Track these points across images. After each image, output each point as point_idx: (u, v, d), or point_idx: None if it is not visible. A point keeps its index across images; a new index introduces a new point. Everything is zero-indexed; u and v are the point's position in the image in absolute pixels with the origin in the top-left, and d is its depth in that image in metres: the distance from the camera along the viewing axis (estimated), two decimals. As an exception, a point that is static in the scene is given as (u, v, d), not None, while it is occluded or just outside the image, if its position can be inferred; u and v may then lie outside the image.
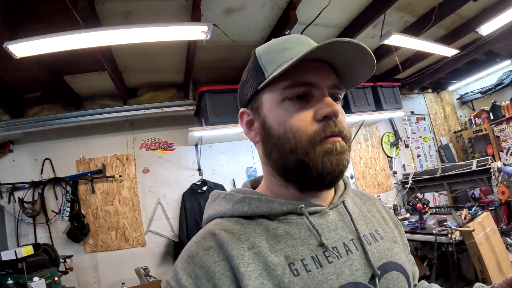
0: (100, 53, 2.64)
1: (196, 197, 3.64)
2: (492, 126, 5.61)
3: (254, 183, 0.73)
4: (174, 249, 3.55)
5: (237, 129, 3.54)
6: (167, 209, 3.64)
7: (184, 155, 3.84)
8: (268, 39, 3.31)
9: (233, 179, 4.02)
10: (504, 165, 3.32)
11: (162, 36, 2.36)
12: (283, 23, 2.99)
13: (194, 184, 3.71)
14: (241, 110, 0.68)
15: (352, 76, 0.64)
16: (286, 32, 2.99)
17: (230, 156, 4.08)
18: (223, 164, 4.05)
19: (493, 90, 5.89)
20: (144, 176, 3.65)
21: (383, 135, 5.29)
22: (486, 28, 3.78)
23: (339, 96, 0.63)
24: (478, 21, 3.79)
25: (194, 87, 3.74)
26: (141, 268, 3.12)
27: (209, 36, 2.46)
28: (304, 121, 0.57)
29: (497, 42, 4.53)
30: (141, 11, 2.48)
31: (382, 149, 5.25)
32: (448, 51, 4.16)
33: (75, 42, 2.14)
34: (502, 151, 5.25)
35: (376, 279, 0.57)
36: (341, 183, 0.71)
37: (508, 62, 5.50)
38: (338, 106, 0.61)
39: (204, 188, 3.71)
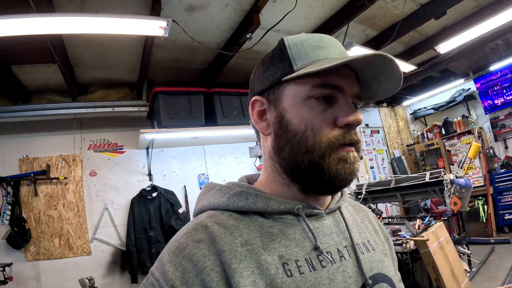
0: (51, 42, 2.40)
1: (145, 204, 3.42)
2: (444, 140, 5.91)
3: (250, 179, 0.71)
4: (121, 258, 3.32)
5: (191, 133, 3.39)
6: (114, 215, 3.39)
7: (134, 158, 3.61)
8: (228, 42, 3.19)
9: (184, 186, 3.86)
10: (456, 177, 3.43)
11: (118, 28, 2.19)
12: (245, 26, 2.89)
13: (144, 189, 3.50)
14: (254, 97, 0.64)
15: (371, 90, 0.64)
16: (247, 36, 2.89)
17: (182, 162, 3.91)
18: (175, 169, 3.86)
19: (446, 106, 6.18)
20: (91, 179, 3.39)
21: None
22: (444, 47, 3.92)
23: (358, 106, 0.61)
24: (437, 40, 3.92)
25: (148, 88, 3.54)
26: (86, 278, 2.87)
27: (167, 33, 2.32)
28: (326, 123, 0.56)
29: (453, 61, 4.73)
30: (98, 0, 2.30)
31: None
32: (406, 67, 4.26)
33: (25, 27, 1.95)
34: (453, 164, 5.53)
35: None
36: None
37: (461, 80, 5.79)
38: None
39: (154, 194, 3.51)
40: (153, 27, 2.24)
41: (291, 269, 0.52)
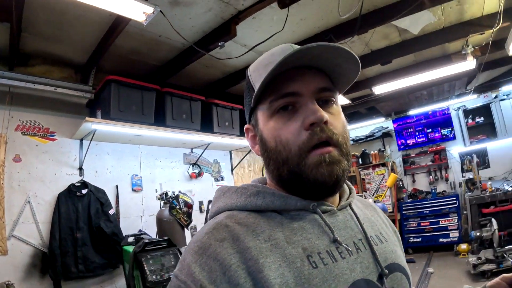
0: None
1: (73, 201, 3.04)
2: (360, 169, 6.62)
3: (263, 182, 0.72)
4: (41, 261, 2.83)
5: (140, 130, 3.18)
6: (37, 210, 2.90)
7: (65, 148, 3.18)
8: (196, 44, 3.11)
9: (117, 186, 3.55)
10: (374, 201, 3.88)
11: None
12: (220, 34, 2.86)
13: (73, 185, 3.10)
14: (246, 126, 0.71)
15: (343, 75, 0.64)
16: (219, 44, 2.87)
17: (116, 159, 3.60)
18: (108, 166, 3.53)
19: (364, 140, 6.96)
20: (14, 165, 2.85)
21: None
22: (379, 89, 4.47)
23: (331, 98, 0.62)
24: (375, 81, 4.45)
25: (96, 74, 3.20)
26: (5, 283, 2.41)
27: (148, 21, 2.16)
28: (292, 132, 0.58)
29: (382, 102, 5.41)
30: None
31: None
32: (343, 100, 4.72)
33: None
34: (366, 191, 6.22)
35: (384, 278, 0.58)
36: (346, 188, 0.72)
37: (382, 119, 6.64)
38: (331, 109, 0.61)
39: (84, 191, 3.14)
40: (137, 10, 2.07)
41: (315, 261, 0.53)
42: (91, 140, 3.10)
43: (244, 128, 0.71)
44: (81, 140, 3.27)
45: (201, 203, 4.38)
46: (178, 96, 3.60)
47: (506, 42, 3.07)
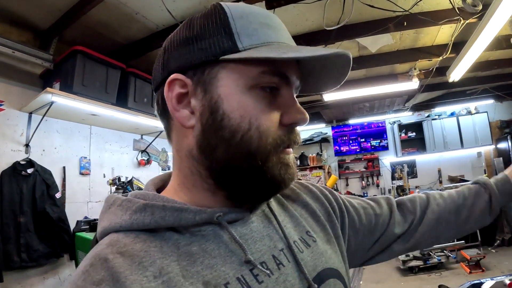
0: None
1: (18, 181, 2.70)
2: (297, 171, 7.01)
3: (161, 183, 0.58)
4: None
5: (101, 109, 2.97)
6: None
7: (13, 121, 2.81)
8: (169, 28, 3.02)
9: (64, 167, 3.26)
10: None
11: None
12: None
13: (18, 162, 2.76)
14: (175, 75, 0.48)
15: (315, 83, 0.57)
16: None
17: (65, 139, 3.31)
18: (56, 146, 3.22)
19: (304, 143, 7.37)
20: None
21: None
22: (328, 97, 4.80)
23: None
24: (327, 89, 4.79)
25: (57, 42, 2.89)
26: None
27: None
28: (273, 121, 0.47)
29: (327, 109, 5.82)
30: None
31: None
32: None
33: None
34: (302, 192, 6.62)
35: None
36: None
37: (323, 125, 7.12)
38: None
39: (30, 171, 2.81)
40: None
41: None
42: (44, 114, 2.80)
43: (170, 79, 0.48)
44: (30, 113, 2.93)
45: (148, 191, 4.26)
46: (141, 79, 3.46)
47: (448, 70, 3.59)
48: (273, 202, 0.59)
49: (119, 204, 0.48)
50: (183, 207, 0.46)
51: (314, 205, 0.65)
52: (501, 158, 5.61)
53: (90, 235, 2.56)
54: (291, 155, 0.50)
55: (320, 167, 6.69)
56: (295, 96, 0.51)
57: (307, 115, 0.50)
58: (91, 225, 2.73)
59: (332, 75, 0.54)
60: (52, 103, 2.65)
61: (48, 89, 2.48)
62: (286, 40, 0.49)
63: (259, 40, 0.46)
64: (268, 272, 0.47)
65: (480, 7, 2.46)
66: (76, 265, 2.67)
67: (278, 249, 0.51)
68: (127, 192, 3.18)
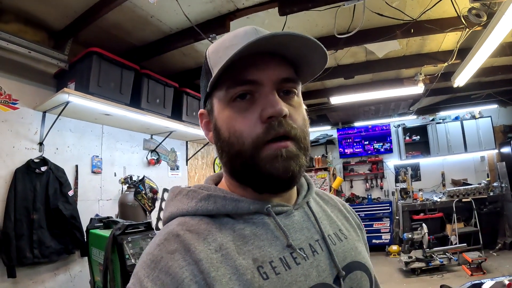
0: None
1: (31, 179, 2.76)
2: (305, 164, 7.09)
3: (218, 179, 0.69)
4: None
5: (116, 110, 3.03)
6: None
7: (27, 120, 2.87)
8: (183, 31, 3.10)
9: (76, 166, 3.32)
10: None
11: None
12: (212, 26, 2.88)
13: (32, 160, 2.82)
14: (200, 110, 0.66)
15: (308, 65, 0.60)
16: (211, 36, 2.90)
17: (78, 137, 3.36)
18: (69, 144, 3.28)
19: (310, 145, 7.47)
20: None
21: (216, 158, 5.58)
22: (336, 99, 4.86)
23: (293, 89, 0.58)
24: (333, 92, 4.83)
25: (72, 43, 2.96)
26: None
27: (156, -1, 2.11)
28: (248, 124, 0.54)
29: (333, 111, 5.87)
30: None
31: (214, 170, 5.59)
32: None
33: None
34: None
35: (341, 279, 0.57)
36: (304, 183, 0.69)
37: (328, 127, 7.15)
38: (292, 101, 0.58)
39: (44, 169, 2.87)
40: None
41: (266, 271, 0.51)
42: (60, 113, 2.86)
43: (199, 113, 0.66)
44: (44, 112, 2.99)
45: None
46: (154, 80, 3.52)
47: (453, 75, 3.65)
48: (312, 203, 0.67)
49: (185, 194, 0.61)
50: (240, 198, 0.58)
51: (348, 214, 0.76)
52: (504, 163, 5.66)
53: (103, 232, 2.62)
54: (285, 148, 0.53)
55: (326, 169, 6.77)
56: (275, 93, 0.54)
57: (280, 106, 0.52)
58: (104, 222, 2.79)
59: (317, 57, 0.57)
60: (67, 102, 2.71)
61: (65, 89, 2.54)
62: (251, 38, 0.52)
63: (221, 63, 0.52)
64: (304, 256, 0.56)
65: (485, 18, 2.51)
66: (89, 261, 2.71)
67: (314, 240, 0.60)
68: (139, 190, 3.26)
